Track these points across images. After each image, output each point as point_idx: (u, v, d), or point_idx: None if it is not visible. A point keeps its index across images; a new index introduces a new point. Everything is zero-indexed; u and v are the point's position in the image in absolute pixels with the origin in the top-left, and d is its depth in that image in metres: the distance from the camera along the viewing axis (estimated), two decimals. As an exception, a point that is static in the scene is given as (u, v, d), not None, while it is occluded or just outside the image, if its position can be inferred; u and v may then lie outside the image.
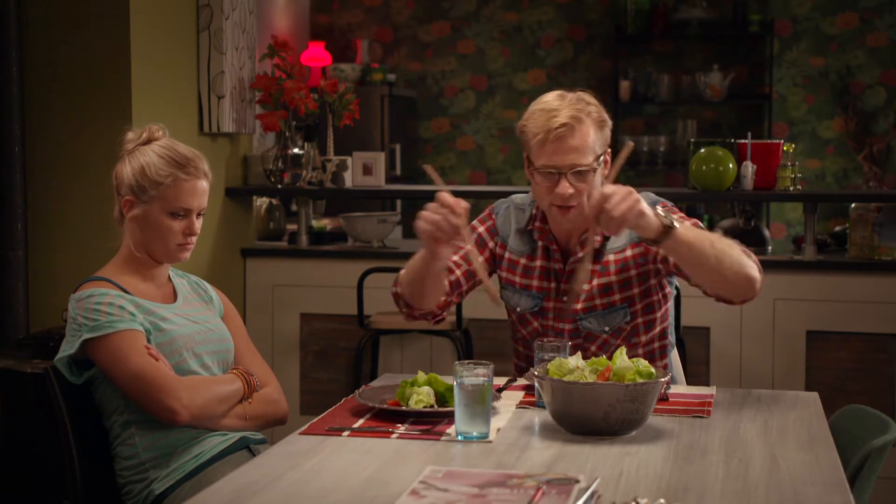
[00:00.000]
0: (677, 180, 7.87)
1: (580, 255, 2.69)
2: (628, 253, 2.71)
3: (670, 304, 2.83)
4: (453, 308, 3.03)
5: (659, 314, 2.77)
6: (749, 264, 2.49)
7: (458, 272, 2.78)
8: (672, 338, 2.87)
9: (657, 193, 2.87)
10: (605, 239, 2.73)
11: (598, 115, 2.64)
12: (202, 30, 4.49)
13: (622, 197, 2.32)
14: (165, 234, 2.52)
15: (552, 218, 2.70)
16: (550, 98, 2.66)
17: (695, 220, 2.60)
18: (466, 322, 4.50)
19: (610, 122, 2.68)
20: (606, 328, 2.73)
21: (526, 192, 2.88)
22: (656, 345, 2.80)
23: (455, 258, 2.77)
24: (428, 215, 2.39)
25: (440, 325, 2.74)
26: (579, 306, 2.73)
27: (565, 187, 2.59)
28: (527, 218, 2.81)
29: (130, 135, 2.59)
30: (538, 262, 2.78)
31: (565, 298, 2.73)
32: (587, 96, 2.67)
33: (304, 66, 7.18)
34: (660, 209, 2.42)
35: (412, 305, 2.73)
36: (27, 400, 2.52)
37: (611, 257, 2.72)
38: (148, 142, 2.56)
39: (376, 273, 4.42)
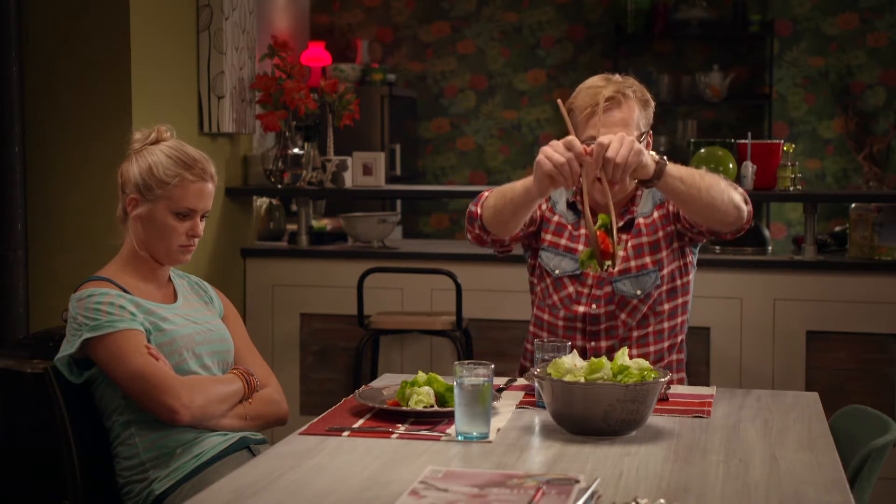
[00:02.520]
0: (677, 180, 7.85)
1: (620, 223, 2.84)
2: (655, 215, 2.87)
3: (691, 278, 2.94)
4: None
5: (680, 283, 2.89)
6: (736, 195, 2.67)
7: (543, 206, 2.92)
8: (688, 317, 2.98)
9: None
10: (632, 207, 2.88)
11: (641, 95, 2.79)
12: (202, 30, 4.49)
13: (620, 142, 2.44)
14: (169, 235, 2.52)
15: (593, 194, 2.71)
16: (596, 79, 2.81)
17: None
18: (466, 322, 4.50)
19: (653, 103, 2.83)
20: (639, 291, 2.83)
21: None
22: (679, 319, 2.91)
23: None
24: (554, 155, 2.45)
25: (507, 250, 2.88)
26: (615, 269, 2.82)
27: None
28: (572, 188, 2.88)
29: (138, 135, 2.59)
30: (582, 231, 2.89)
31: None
32: (630, 79, 2.82)
33: (304, 66, 7.17)
34: (652, 153, 2.56)
35: (488, 230, 2.79)
36: (27, 400, 2.52)
37: (641, 220, 2.86)
38: (156, 142, 2.57)
39: (376, 273, 4.42)
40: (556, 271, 2.90)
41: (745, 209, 2.69)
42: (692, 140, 4.69)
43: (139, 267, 2.57)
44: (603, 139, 2.45)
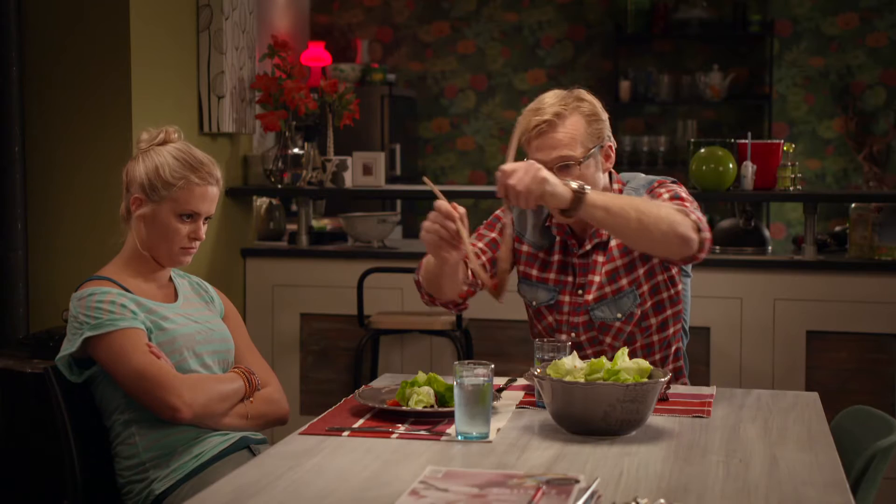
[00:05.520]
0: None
1: (588, 247, 2.78)
2: None
3: (682, 287, 2.87)
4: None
5: (666, 295, 2.81)
6: (682, 222, 2.51)
7: (484, 259, 2.85)
8: (687, 325, 2.92)
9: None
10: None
11: (589, 110, 2.71)
12: (202, 30, 4.49)
13: (524, 170, 2.40)
14: (171, 236, 2.53)
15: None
16: (543, 97, 2.74)
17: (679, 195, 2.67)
18: (466, 322, 4.50)
19: (604, 117, 2.75)
20: (619, 315, 2.77)
21: None
22: (670, 330, 2.84)
23: (481, 244, 2.85)
24: (428, 225, 2.47)
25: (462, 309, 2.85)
26: (590, 297, 2.77)
27: None
28: (545, 213, 2.85)
29: (145, 134, 2.59)
30: (556, 257, 2.84)
31: (580, 292, 2.76)
32: (583, 93, 2.75)
33: (304, 66, 7.18)
34: (570, 182, 2.46)
35: (433, 296, 2.79)
36: (27, 400, 2.53)
37: (613, 243, 2.77)
38: (164, 143, 2.57)
39: (376, 273, 4.42)
40: (534, 303, 2.87)
41: (696, 238, 2.52)
42: (692, 140, 4.69)
43: (140, 266, 2.57)
44: (506, 167, 2.41)
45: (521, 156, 2.59)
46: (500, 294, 2.54)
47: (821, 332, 4.41)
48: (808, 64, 7.74)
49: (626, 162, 7.84)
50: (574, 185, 2.44)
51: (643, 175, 2.87)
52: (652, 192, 2.74)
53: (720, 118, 7.94)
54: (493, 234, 2.86)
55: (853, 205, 4.47)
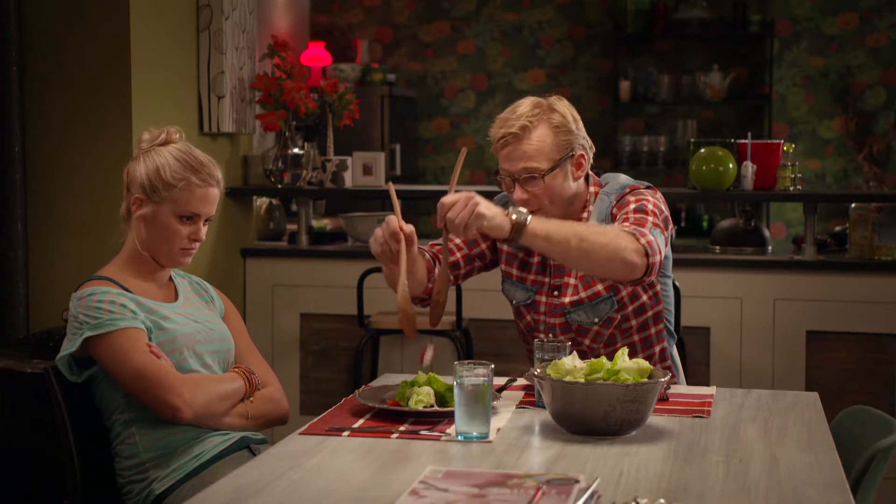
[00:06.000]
0: (677, 180, 7.87)
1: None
2: None
3: (662, 287, 2.85)
4: (450, 300, 3.13)
5: (646, 297, 2.81)
6: (626, 247, 2.50)
7: (458, 254, 2.88)
8: (671, 325, 2.90)
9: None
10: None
11: (559, 121, 2.70)
12: (202, 30, 4.49)
13: (463, 204, 2.44)
14: (171, 237, 2.53)
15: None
16: (517, 105, 2.75)
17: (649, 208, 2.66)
18: (466, 322, 4.50)
19: (575, 127, 2.73)
20: (596, 319, 2.78)
21: None
22: (652, 330, 2.84)
23: (457, 241, 2.88)
24: (377, 234, 2.56)
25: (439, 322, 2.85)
26: (567, 300, 2.77)
27: (518, 193, 2.71)
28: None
29: (147, 135, 2.59)
30: (536, 258, 2.85)
31: (555, 293, 2.76)
32: (557, 103, 2.74)
33: (304, 66, 7.18)
34: (514, 211, 2.47)
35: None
36: (27, 400, 2.53)
37: None
38: (165, 143, 2.57)
39: (376, 273, 4.42)
40: (514, 301, 2.90)
41: (641, 263, 2.51)
42: (692, 140, 4.69)
43: (140, 266, 2.57)
44: (445, 199, 2.46)
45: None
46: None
47: (821, 332, 4.41)
48: (808, 64, 7.74)
49: (626, 162, 7.84)
50: (514, 215, 2.46)
51: (623, 177, 2.85)
52: (621, 199, 2.73)
53: (720, 118, 7.94)
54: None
55: (853, 205, 4.47)
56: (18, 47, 3.88)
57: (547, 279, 2.82)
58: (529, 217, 2.47)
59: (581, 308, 2.77)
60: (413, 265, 2.69)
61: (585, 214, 2.79)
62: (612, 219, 2.72)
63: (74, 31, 4.02)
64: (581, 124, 2.76)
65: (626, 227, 2.58)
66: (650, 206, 2.68)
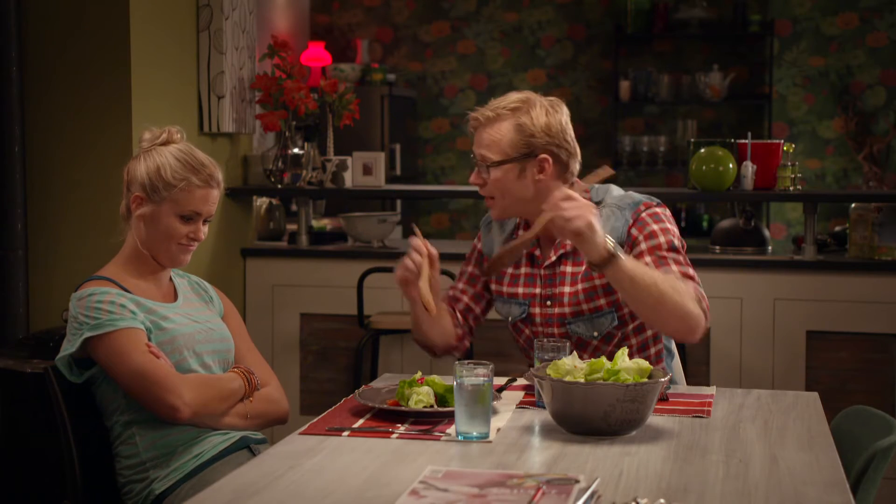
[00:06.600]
0: (677, 180, 7.87)
1: (553, 258, 2.76)
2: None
3: None
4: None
5: None
6: (693, 312, 2.52)
7: (465, 298, 2.90)
8: (671, 343, 2.86)
9: (655, 194, 2.87)
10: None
11: (525, 123, 2.67)
12: (202, 30, 4.49)
13: (580, 205, 2.42)
14: (171, 236, 2.53)
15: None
16: (507, 95, 2.77)
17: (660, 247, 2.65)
18: (466, 322, 4.49)
19: (540, 135, 2.67)
20: (595, 333, 2.73)
21: None
22: (652, 350, 2.80)
23: (461, 285, 2.91)
24: (403, 260, 2.62)
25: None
26: (567, 310, 2.74)
27: (473, 175, 2.81)
28: (510, 228, 2.87)
29: (148, 134, 2.59)
30: (523, 270, 2.82)
31: (548, 303, 2.74)
32: (537, 104, 2.70)
33: (304, 66, 7.17)
34: (609, 240, 2.45)
35: (428, 346, 2.86)
36: (27, 400, 2.53)
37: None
38: (166, 143, 2.57)
39: (376, 273, 4.42)
40: (509, 318, 2.85)
41: (701, 328, 2.55)
42: (692, 140, 4.69)
43: (140, 266, 2.57)
44: (572, 192, 2.44)
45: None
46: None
47: (821, 332, 4.41)
48: (807, 64, 7.74)
49: (627, 162, 7.84)
50: (612, 244, 2.44)
51: (616, 189, 2.78)
52: (638, 220, 2.67)
53: (720, 118, 7.94)
54: (470, 268, 2.92)
55: (853, 205, 4.47)
56: (18, 47, 3.88)
57: (538, 290, 2.78)
58: (624, 255, 2.47)
59: (581, 319, 2.73)
60: (439, 317, 2.76)
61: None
62: (632, 240, 2.66)
63: (74, 31, 4.03)
64: (564, 133, 2.69)
65: (689, 286, 2.55)
66: (676, 241, 2.66)
